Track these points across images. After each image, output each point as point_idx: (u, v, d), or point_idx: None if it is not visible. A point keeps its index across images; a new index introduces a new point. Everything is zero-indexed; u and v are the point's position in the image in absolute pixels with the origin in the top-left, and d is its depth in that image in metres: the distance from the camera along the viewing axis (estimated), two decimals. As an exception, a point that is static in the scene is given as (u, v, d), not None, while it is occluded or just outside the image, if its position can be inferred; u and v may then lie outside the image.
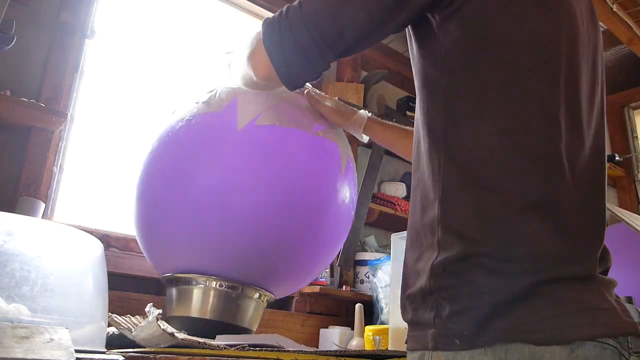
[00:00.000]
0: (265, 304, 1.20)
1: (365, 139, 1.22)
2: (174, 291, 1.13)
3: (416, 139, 0.77)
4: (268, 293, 1.18)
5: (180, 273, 1.12)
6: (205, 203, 1.04)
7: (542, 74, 0.68)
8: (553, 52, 0.69)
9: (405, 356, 1.07)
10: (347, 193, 1.18)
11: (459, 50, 0.69)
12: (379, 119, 1.22)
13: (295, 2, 0.77)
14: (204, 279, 1.10)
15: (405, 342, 0.72)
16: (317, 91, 1.26)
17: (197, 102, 1.16)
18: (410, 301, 0.69)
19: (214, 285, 1.11)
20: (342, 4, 0.72)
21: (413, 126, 0.84)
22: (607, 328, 0.59)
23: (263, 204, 1.04)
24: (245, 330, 1.13)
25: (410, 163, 0.82)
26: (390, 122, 1.21)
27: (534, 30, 0.69)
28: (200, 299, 1.11)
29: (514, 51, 0.67)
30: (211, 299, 1.11)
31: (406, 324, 0.72)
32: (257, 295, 1.16)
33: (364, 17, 0.71)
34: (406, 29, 0.79)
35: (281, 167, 1.07)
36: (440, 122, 0.70)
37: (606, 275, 0.69)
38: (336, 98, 1.28)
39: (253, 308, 1.16)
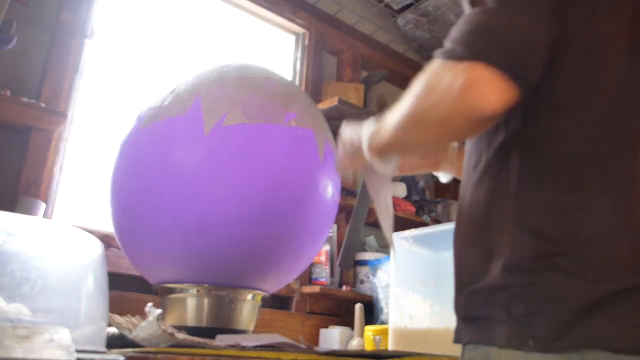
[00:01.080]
0: (260, 302, 1.20)
1: (399, 192, 1.15)
2: (167, 301, 1.13)
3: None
4: (261, 292, 1.18)
5: (171, 283, 1.11)
6: (184, 216, 1.02)
7: (629, 73, 0.65)
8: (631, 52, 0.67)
9: (405, 356, 1.07)
10: (328, 181, 1.15)
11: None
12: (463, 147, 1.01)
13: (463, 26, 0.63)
14: (196, 288, 1.10)
15: (458, 335, 0.70)
16: None
17: (160, 104, 1.13)
18: (474, 296, 0.67)
19: (207, 293, 1.10)
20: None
21: None
22: None
23: (241, 208, 1.03)
24: (242, 332, 1.13)
25: None
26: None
27: (617, 30, 0.66)
28: (194, 308, 1.10)
29: (599, 47, 0.65)
30: (205, 307, 1.10)
31: (459, 318, 0.70)
32: (250, 296, 1.15)
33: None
34: None
35: (255, 167, 1.03)
36: (518, 112, 0.66)
37: None
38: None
39: (248, 309, 1.16)
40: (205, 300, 1.10)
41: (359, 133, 0.83)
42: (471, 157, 0.75)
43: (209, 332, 1.03)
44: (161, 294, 1.15)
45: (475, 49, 0.59)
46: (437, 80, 0.62)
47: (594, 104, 0.65)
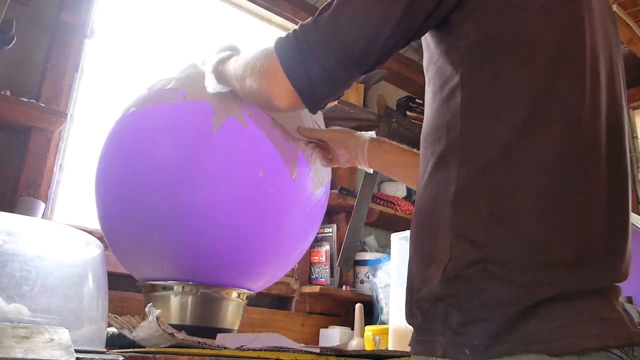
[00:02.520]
0: (246, 301, 1.19)
1: (370, 170, 1.13)
2: (150, 299, 1.12)
3: (425, 141, 0.75)
4: (246, 291, 1.17)
5: (155, 280, 1.11)
6: (166, 212, 1.02)
7: (567, 74, 0.66)
8: (577, 49, 0.67)
9: (405, 356, 1.07)
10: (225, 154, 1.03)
11: (478, 49, 0.68)
12: (383, 139, 1.13)
13: (309, 21, 0.74)
14: (180, 286, 1.09)
15: (410, 345, 0.71)
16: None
17: (146, 93, 1.13)
18: (418, 306, 0.68)
19: (191, 291, 1.09)
20: (361, 19, 0.70)
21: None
22: (615, 338, 0.58)
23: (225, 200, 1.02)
24: (227, 331, 1.13)
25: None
26: (394, 144, 1.11)
27: (556, 25, 0.67)
28: (178, 306, 1.09)
29: (535, 49, 0.66)
30: (189, 305, 1.09)
31: (410, 326, 0.71)
32: (235, 294, 1.15)
33: (387, 28, 0.69)
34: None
35: (139, 155, 1.02)
36: (456, 123, 0.68)
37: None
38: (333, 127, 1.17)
39: (233, 308, 1.15)
40: (190, 299, 1.09)
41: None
42: (421, 165, 0.76)
43: (193, 330, 1.03)
44: (145, 291, 1.14)
45: (285, 55, 0.76)
46: (263, 60, 0.82)
47: (523, 108, 0.65)
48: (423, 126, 0.77)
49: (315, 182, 1.12)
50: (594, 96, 0.67)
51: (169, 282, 1.09)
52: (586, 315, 0.59)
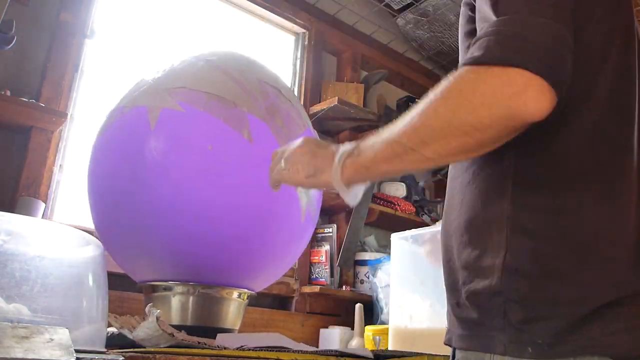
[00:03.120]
0: (247, 301, 1.19)
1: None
2: (151, 299, 1.12)
3: None
4: (247, 290, 1.17)
5: (156, 281, 1.10)
6: (167, 214, 1.02)
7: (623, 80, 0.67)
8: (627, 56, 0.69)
9: (405, 356, 1.07)
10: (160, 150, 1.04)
11: None
12: None
13: (493, 21, 0.60)
14: (181, 286, 1.09)
15: (454, 339, 0.70)
16: None
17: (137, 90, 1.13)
18: (471, 300, 0.66)
19: (192, 291, 1.09)
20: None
21: None
22: None
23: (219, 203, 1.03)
24: (228, 331, 1.12)
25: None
26: None
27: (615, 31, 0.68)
28: (179, 307, 1.09)
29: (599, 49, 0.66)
30: (190, 305, 1.09)
31: (455, 318, 0.70)
32: (236, 294, 1.14)
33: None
34: (467, 11, 0.73)
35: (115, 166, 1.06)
36: None
37: None
38: None
39: (234, 308, 1.14)
40: (190, 299, 1.09)
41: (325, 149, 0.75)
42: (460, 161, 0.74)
43: (194, 330, 1.03)
44: (145, 292, 1.14)
45: (515, 54, 0.55)
46: (472, 86, 0.57)
47: (586, 110, 0.65)
48: None
49: (281, 137, 1.09)
50: None
51: (170, 283, 1.09)
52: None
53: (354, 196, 0.72)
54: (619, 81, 0.67)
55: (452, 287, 0.71)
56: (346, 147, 0.72)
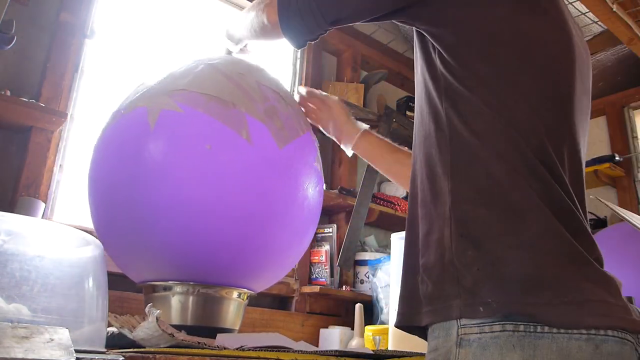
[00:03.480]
0: (247, 301, 1.19)
1: (349, 153, 1.22)
2: (151, 299, 1.12)
3: (417, 127, 0.83)
4: (247, 290, 1.17)
5: (155, 281, 1.11)
6: (167, 214, 1.02)
7: (530, 72, 0.73)
8: (540, 54, 0.74)
9: (405, 356, 1.07)
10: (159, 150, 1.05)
11: (453, 48, 0.74)
12: (373, 132, 1.22)
13: None
14: (181, 286, 1.09)
15: (421, 319, 0.71)
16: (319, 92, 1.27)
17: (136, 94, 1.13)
18: (427, 274, 0.70)
19: (192, 291, 1.10)
20: None
21: (412, 128, 0.86)
22: (623, 323, 0.61)
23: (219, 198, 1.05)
24: (228, 331, 1.13)
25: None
26: (379, 137, 1.22)
27: (520, 31, 0.74)
28: (179, 307, 1.09)
29: (501, 49, 0.73)
30: (190, 305, 1.09)
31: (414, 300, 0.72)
32: (236, 294, 1.15)
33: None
34: (414, 32, 0.85)
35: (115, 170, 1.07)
36: (440, 106, 0.75)
37: None
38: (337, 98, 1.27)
39: (234, 308, 1.15)
40: (190, 299, 1.09)
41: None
42: (414, 147, 0.83)
43: (194, 330, 1.03)
44: (145, 292, 1.14)
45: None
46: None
47: (503, 85, 0.72)
48: (414, 115, 0.87)
49: (280, 139, 1.10)
50: (561, 90, 0.75)
51: (170, 283, 1.09)
52: (599, 295, 0.62)
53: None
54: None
55: (407, 266, 0.75)
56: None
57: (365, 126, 1.21)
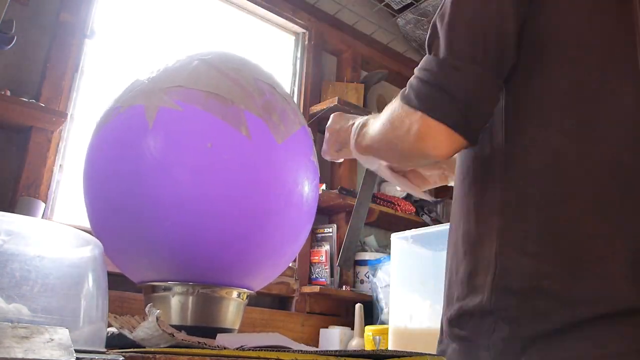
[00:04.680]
0: (246, 300, 1.20)
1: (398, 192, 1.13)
2: (151, 300, 1.13)
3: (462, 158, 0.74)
4: (247, 290, 1.17)
5: (155, 281, 1.11)
6: (166, 214, 1.02)
7: (615, 74, 0.64)
8: (626, 53, 0.66)
9: (405, 356, 1.07)
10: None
11: (522, 51, 0.66)
12: None
13: (425, 61, 0.70)
14: (180, 286, 1.10)
15: (444, 351, 0.70)
16: None
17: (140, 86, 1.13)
18: (466, 317, 0.66)
19: (191, 291, 1.10)
20: (474, 24, 0.66)
21: None
22: None
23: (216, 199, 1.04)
24: (228, 331, 1.13)
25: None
26: None
27: (604, 30, 0.66)
28: (178, 307, 1.09)
29: (583, 50, 0.65)
30: (190, 305, 1.10)
31: (447, 328, 0.70)
32: (235, 294, 1.15)
33: (501, 20, 0.66)
34: None
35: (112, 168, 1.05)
36: (499, 125, 0.66)
37: None
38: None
39: (234, 307, 1.15)
40: (190, 299, 1.10)
41: (347, 124, 0.90)
42: (458, 170, 0.74)
43: (194, 330, 1.03)
44: (145, 292, 1.15)
45: (428, 103, 0.65)
46: (399, 121, 0.69)
47: (573, 112, 0.63)
48: None
49: (279, 134, 1.10)
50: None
51: (169, 283, 1.10)
52: (635, 346, 0.56)
53: (371, 163, 0.89)
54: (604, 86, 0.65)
55: (449, 299, 0.71)
56: (362, 119, 0.84)
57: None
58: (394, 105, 0.72)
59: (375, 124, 0.77)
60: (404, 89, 0.72)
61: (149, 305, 0.94)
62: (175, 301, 1.09)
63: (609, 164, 0.61)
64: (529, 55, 0.66)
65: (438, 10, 0.69)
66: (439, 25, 0.67)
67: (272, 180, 1.07)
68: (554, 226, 0.60)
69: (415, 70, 0.71)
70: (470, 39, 0.65)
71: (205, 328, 1.08)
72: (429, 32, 0.69)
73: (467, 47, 0.64)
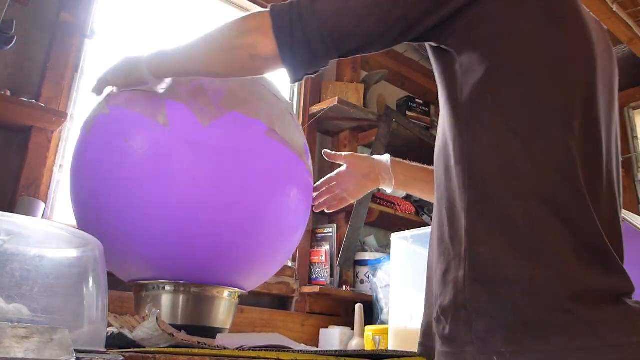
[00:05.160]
0: (237, 300, 1.19)
1: (398, 193, 1.23)
2: (141, 298, 1.12)
3: (438, 155, 0.78)
4: (238, 289, 1.16)
5: (145, 280, 1.10)
6: (155, 210, 1.01)
7: (559, 90, 0.70)
8: (568, 71, 0.71)
9: (405, 356, 1.07)
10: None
11: (478, 68, 0.71)
12: (398, 159, 1.20)
13: None
14: (171, 285, 1.09)
15: (424, 350, 0.73)
16: (332, 152, 1.26)
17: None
18: (443, 315, 0.69)
19: (182, 290, 1.09)
20: (351, 10, 0.76)
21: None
22: None
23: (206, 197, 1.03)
24: (219, 331, 1.12)
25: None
26: (408, 162, 1.20)
27: (549, 49, 0.71)
28: (169, 306, 1.08)
29: (530, 68, 0.70)
30: (181, 304, 1.08)
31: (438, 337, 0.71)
32: (227, 293, 1.14)
33: (369, 25, 0.76)
34: (428, 49, 0.83)
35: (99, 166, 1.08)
36: (460, 136, 0.72)
37: None
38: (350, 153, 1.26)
39: (225, 307, 1.14)
40: (181, 298, 1.09)
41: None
42: (436, 178, 0.78)
43: (185, 330, 1.03)
44: (135, 291, 1.14)
45: (277, 12, 0.79)
46: (251, 18, 0.85)
47: (522, 121, 0.68)
48: (436, 139, 0.81)
49: (206, 116, 1.03)
50: (587, 109, 0.71)
51: (160, 282, 1.09)
52: (611, 339, 0.59)
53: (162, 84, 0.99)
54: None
55: (428, 303, 0.75)
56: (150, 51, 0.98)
57: (387, 157, 1.20)
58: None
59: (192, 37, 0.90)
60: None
61: (149, 305, 0.94)
62: (165, 300, 1.08)
63: (560, 164, 0.66)
64: (484, 70, 0.71)
65: None
66: None
67: (201, 167, 1.00)
68: (512, 221, 0.65)
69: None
70: (340, 13, 0.76)
71: (196, 327, 1.08)
72: None
73: (333, 23, 0.76)
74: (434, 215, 0.78)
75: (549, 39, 0.71)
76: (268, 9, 0.81)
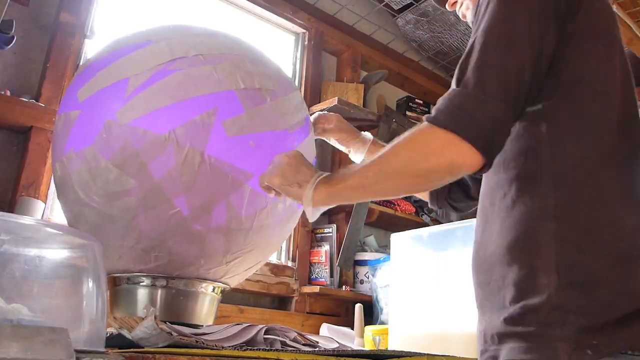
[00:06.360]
0: (220, 295, 1.15)
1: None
2: (116, 292, 1.04)
3: (502, 165, 0.81)
4: (221, 284, 1.12)
5: (120, 272, 1.02)
6: (133, 199, 0.96)
7: (629, 104, 0.79)
8: (625, 90, 0.80)
9: (405, 356, 1.07)
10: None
11: (562, 86, 0.77)
12: (381, 142, 1.21)
13: (454, 88, 0.76)
14: (147, 278, 1.01)
15: (515, 352, 0.74)
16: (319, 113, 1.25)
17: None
18: (530, 314, 0.72)
19: (159, 284, 1.02)
20: (506, 59, 0.74)
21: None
22: None
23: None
24: (199, 327, 1.08)
25: None
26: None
27: (616, 69, 0.80)
28: (145, 300, 1.01)
29: (606, 85, 0.78)
30: (158, 299, 1.01)
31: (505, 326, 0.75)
32: (210, 288, 1.10)
33: (530, 59, 0.75)
34: None
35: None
36: (543, 148, 0.77)
37: None
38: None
39: (207, 302, 1.09)
40: (159, 292, 1.02)
41: (303, 172, 0.89)
42: (495, 188, 0.82)
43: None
44: (109, 284, 1.08)
45: (457, 124, 0.72)
46: (423, 140, 0.76)
47: (606, 134, 0.76)
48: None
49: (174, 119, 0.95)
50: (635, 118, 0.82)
51: (135, 274, 1.02)
52: None
53: (314, 215, 0.87)
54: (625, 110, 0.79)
55: (498, 306, 0.77)
56: (324, 173, 0.87)
57: (370, 137, 1.22)
58: (409, 132, 0.77)
59: (372, 158, 0.80)
60: (426, 115, 0.78)
61: (147, 304, 0.94)
62: (141, 295, 1.02)
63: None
64: (565, 89, 0.77)
65: (465, 52, 0.77)
66: (466, 65, 0.75)
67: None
68: (601, 225, 0.72)
69: (441, 98, 0.76)
70: (496, 80, 0.73)
71: (175, 324, 1.04)
72: (456, 71, 0.76)
73: (494, 87, 0.72)
74: (494, 224, 0.80)
75: (613, 64, 0.81)
76: (432, 121, 0.75)
